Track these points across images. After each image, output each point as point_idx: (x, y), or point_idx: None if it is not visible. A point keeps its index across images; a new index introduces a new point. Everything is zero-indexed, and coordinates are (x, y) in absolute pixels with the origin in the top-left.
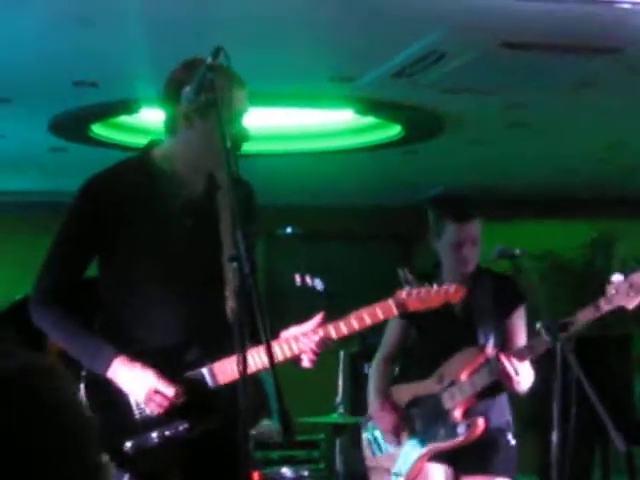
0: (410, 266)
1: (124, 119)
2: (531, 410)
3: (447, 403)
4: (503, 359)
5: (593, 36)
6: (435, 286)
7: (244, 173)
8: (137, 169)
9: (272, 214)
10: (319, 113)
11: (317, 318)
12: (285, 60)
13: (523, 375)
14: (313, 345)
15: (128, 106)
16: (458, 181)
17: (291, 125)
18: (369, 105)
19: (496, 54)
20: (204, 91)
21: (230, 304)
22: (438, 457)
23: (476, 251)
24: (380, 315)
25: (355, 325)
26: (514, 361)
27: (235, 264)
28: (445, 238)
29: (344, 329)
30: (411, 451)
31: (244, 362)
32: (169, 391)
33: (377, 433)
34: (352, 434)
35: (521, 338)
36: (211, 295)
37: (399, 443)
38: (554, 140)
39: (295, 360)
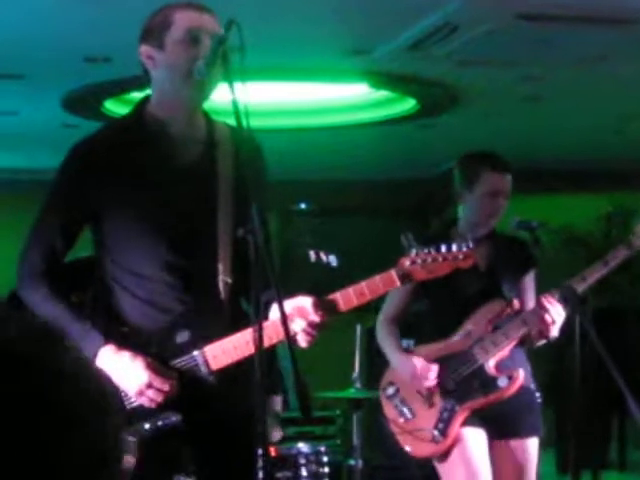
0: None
1: (137, 95)
2: (548, 382)
3: (481, 357)
4: (545, 302)
5: (607, 7)
6: (444, 249)
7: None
8: (126, 129)
9: (286, 190)
10: (333, 87)
11: (310, 298)
12: (299, 34)
13: (559, 319)
14: (306, 326)
15: (141, 82)
16: None
17: (305, 100)
18: (383, 79)
19: (510, 26)
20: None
21: (222, 278)
22: (472, 422)
23: (505, 206)
24: (381, 288)
25: (354, 300)
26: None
27: (250, 237)
28: (480, 188)
29: (342, 306)
30: (448, 410)
31: (260, 339)
32: (164, 386)
33: (405, 395)
34: (369, 409)
35: (531, 299)
36: (202, 269)
37: (432, 404)
38: (569, 112)
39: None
